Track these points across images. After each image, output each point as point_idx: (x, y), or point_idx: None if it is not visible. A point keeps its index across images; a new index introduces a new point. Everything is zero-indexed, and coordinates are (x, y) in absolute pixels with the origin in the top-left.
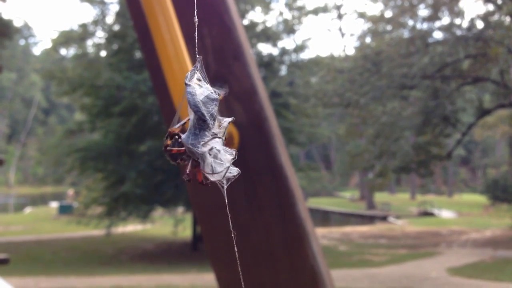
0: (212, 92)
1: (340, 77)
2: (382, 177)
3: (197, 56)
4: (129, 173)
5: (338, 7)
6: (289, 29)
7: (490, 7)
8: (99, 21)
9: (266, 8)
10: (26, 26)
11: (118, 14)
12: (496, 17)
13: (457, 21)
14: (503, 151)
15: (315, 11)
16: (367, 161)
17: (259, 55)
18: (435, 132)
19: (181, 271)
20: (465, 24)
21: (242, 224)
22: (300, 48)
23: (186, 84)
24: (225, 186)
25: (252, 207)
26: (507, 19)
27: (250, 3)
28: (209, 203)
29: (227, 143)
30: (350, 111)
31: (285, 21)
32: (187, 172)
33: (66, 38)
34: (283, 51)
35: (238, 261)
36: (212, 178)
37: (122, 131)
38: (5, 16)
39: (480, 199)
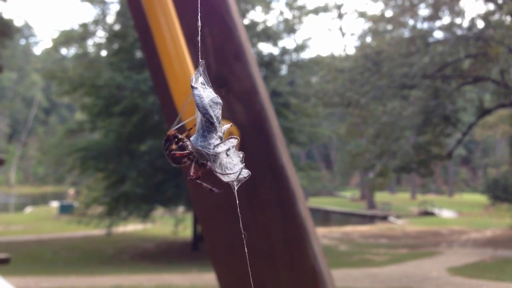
0: (216, 96)
1: (341, 76)
2: (382, 177)
3: (200, 60)
4: (130, 172)
5: (338, 7)
6: (290, 28)
7: (491, 6)
8: (99, 21)
9: (267, 8)
10: (27, 26)
11: (119, 14)
12: (496, 16)
13: (458, 20)
14: (503, 150)
15: (316, 11)
16: (368, 160)
17: (259, 54)
18: (435, 132)
19: (182, 271)
20: (465, 23)
21: (243, 224)
22: (300, 48)
23: (193, 87)
24: (236, 188)
25: (252, 207)
26: (508, 18)
27: (250, 2)
28: (210, 203)
29: None
30: (350, 110)
31: (286, 21)
32: (192, 173)
33: (66, 38)
34: (284, 51)
35: (240, 260)
36: (225, 179)
37: (122, 130)
38: (6, 16)
39: (481, 198)
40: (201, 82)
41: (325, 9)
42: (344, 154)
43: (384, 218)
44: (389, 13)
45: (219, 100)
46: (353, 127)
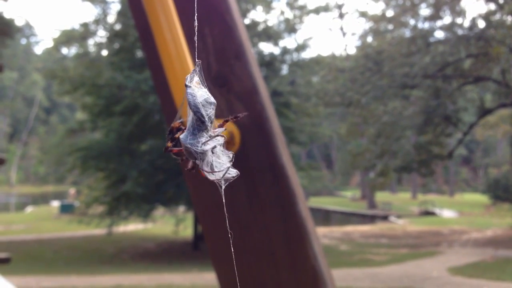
0: (209, 96)
1: (341, 76)
2: (383, 177)
3: (197, 60)
4: (131, 172)
5: (339, 6)
6: (291, 28)
7: (492, 6)
8: (100, 20)
9: (268, 7)
10: (28, 25)
11: (120, 13)
12: (497, 16)
13: (459, 20)
14: (504, 150)
15: (317, 10)
16: (368, 160)
17: (260, 54)
18: (436, 132)
19: (182, 270)
20: (466, 23)
21: (243, 224)
22: (301, 47)
23: (186, 86)
24: (223, 187)
25: (253, 207)
26: (509, 18)
27: (251, 2)
28: (211, 202)
29: (229, 142)
30: (351, 110)
31: (287, 20)
32: (189, 166)
33: (67, 37)
34: (285, 50)
35: (241, 260)
36: (211, 177)
37: (123, 130)
38: (7, 15)
39: (482, 198)
40: (196, 82)
41: (326, 8)
42: (345, 154)
43: (385, 218)
44: (390, 13)
45: (213, 100)
46: (354, 127)
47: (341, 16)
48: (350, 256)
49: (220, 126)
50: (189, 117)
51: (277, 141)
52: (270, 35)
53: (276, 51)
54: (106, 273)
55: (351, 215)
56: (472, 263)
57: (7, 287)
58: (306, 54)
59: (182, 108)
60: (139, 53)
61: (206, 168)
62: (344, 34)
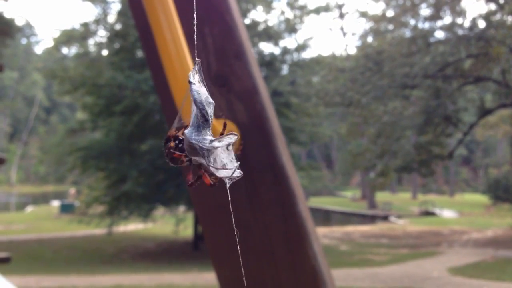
0: (208, 96)
1: (342, 76)
2: (383, 177)
3: (196, 59)
4: (131, 172)
5: (339, 6)
6: (291, 28)
7: (492, 6)
8: (100, 20)
9: (268, 7)
10: (28, 25)
11: (120, 13)
12: (498, 16)
13: (459, 20)
14: (504, 151)
15: (317, 10)
16: (369, 160)
17: (260, 54)
18: (436, 132)
19: (182, 270)
20: (467, 23)
21: (244, 224)
22: (301, 47)
23: (191, 83)
24: (228, 185)
25: (253, 207)
26: (509, 18)
27: (251, 2)
28: (211, 202)
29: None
30: (351, 110)
31: (287, 20)
32: (189, 178)
33: (67, 37)
34: (285, 50)
35: (240, 260)
36: (220, 174)
37: (123, 130)
38: (7, 15)
39: (482, 199)
40: (197, 80)
41: (326, 8)
42: (345, 154)
43: (385, 218)
44: (390, 13)
45: (211, 101)
46: (354, 127)
47: (341, 16)
48: (350, 256)
49: (224, 125)
50: (193, 113)
51: (277, 141)
52: (271, 35)
53: (277, 51)
54: (106, 273)
55: (351, 215)
56: (473, 263)
57: (7, 287)
58: (306, 54)
59: (183, 108)
60: (139, 53)
61: (213, 165)
62: (344, 34)
